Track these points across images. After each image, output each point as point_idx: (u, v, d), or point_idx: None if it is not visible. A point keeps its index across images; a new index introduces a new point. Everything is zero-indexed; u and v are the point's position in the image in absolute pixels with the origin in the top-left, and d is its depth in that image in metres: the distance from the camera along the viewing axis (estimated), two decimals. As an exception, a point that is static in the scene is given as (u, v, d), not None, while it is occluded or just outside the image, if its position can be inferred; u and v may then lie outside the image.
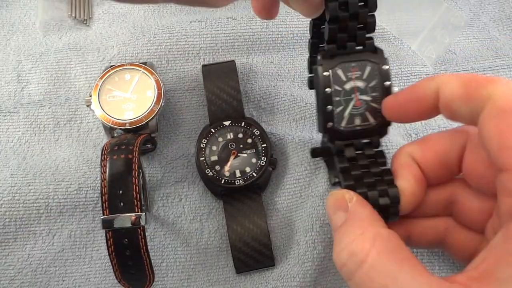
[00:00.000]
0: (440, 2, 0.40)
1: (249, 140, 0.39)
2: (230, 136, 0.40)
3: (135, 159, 0.32)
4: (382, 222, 0.25)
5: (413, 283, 0.21)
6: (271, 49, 0.44)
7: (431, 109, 0.26)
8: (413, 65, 0.44)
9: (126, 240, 0.31)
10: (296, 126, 0.41)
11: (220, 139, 0.39)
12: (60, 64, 0.44)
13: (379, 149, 0.29)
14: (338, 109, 0.29)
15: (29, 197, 0.38)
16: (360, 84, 0.29)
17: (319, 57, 0.29)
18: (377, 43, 0.46)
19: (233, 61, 0.42)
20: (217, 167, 0.38)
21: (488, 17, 0.47)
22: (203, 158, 0.38)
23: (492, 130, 0.22)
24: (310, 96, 0.42)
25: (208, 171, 0.38)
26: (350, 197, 0.26)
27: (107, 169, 0.32)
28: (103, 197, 0.31)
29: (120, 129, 0.38)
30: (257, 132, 0.39)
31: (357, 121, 0.29)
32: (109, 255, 0.31)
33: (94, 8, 0.46)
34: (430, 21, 0.41)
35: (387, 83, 0.28)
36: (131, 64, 0.40)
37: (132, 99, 0.39)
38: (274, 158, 0.39)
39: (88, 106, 0.39)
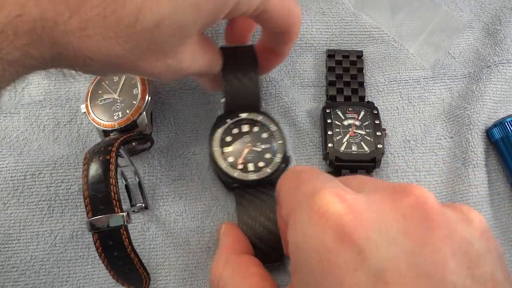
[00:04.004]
0: (439, 5, 0.40)
1: (265, 135, 0.38)
2: (245, 128, 0.38)
3: (112, 160, 0.32)
4: (240, 248, 0.33)
5: None
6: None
7: None
8: (412, 69, 0.44)
9: (110, 241, 0.31)
10: (294, 131, 0.42)
11: (235, 130, 0.38)
12: (60, 64, 0.43)
13: None
14: (338, 137, 0.39)
15: (32, 199, 0.39)
16: (356, 122, 0.40)
17: (325, 104, 0.41)
18: (376, 45, 0.47)
19: (252, 45, 0.38)
20: (230, 159, 0.37)
21: (489, 16, 0.46)
22: (217, 148, 0.37)
23: None
24: (309, 102, 0.42)
25: (221, 162, 0.37)
26: (220, 228, 0.36)
27: (87, 173, 0.32)
28: (85, 201, 0.31)
29: (112, 131, 0.38)
30: (273, 128, 0.38)
31: (354, 148, 0.39)
32: (99, 256, 0.31)
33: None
34: (428, 24, 0.41)
35: (377, 121, 0.40)
36: (115, 65, 0.40)
37: (120, 100, 0.39)
38: (288, 155, 0.38)
39: (84, 113, 0.39)
